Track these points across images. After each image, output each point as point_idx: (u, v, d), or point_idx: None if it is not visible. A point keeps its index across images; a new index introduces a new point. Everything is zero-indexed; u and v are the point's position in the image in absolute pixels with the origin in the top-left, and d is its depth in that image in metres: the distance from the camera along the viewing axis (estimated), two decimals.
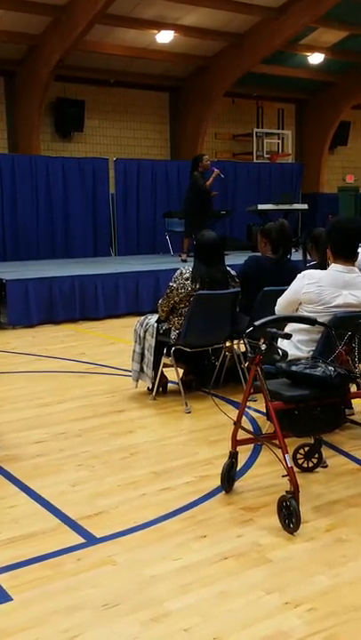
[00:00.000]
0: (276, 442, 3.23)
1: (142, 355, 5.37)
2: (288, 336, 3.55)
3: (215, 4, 13.42)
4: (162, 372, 5.32)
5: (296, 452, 3.77)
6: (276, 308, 3.99)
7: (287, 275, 4.61)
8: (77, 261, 12.29)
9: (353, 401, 4.51)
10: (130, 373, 5.57)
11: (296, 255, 7.19)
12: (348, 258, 3.87)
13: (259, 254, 5.51)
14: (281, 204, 14.34)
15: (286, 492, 3.13)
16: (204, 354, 5.52)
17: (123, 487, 3.67)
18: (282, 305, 3.97)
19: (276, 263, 5.29)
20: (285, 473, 3.14)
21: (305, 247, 5.20)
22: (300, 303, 3.87)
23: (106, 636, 2.40)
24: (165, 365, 5.26)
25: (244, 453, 3.93)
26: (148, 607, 2.55)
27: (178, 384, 5.24)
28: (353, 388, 3.74)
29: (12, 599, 2.63)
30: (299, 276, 3.93)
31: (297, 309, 3.91)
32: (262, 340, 3.32)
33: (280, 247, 5.31)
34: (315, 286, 3.81)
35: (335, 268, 3.87)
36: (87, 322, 9.39)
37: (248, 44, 15.13)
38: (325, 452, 3.95)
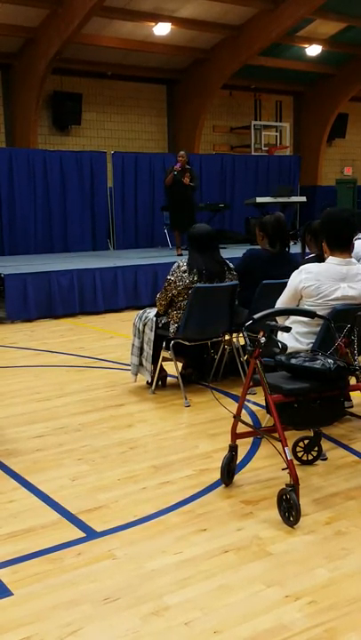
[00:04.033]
0: (276, 435, 3.23)
1: (141, 348, 5.36)
2: (287, 329, 3.55)
3: None
4: (161, 365, 5.31)
5: (296, 444, 3.77)
6: (276, 307, 3.97)
7: (286, 268, 4.61)
8: (75, 255, 12.28)
9: (352, 393, 4.51)
10: (129, 367, 5.57)
11: (295, 248, 7.18)
12: (343, 249, 3.86)
13: (257, 247, 5.50)
14: (279, 196, 14.31)
15: (286, 484, 3.12)
16: (204, 347, 5.52)
17: (122, 481, 3.67)
18: (282, 304, 3.95)
19: (275, 256, 5.28)
20: (285, 466, 3.14)
21: (303, 240, 5.19)
22: (301, 297, 3.86)
23: (106, 631, 2.40)
24: (164, 359, 5.26)
25: (243, 447, 3.93)
26: (148, 601, 2.55)
27: (177, 378, 5.23)
28: (352, 381, 3.73)
29: (12, 594, 2.63)
30: (295, 272, 3.92)
31: (298, 304, 3.90)
32: (261, 333, 3.32)
33: (277, 241, 5.30)
34: (313, 281, 3.80)
35: (332, 261, 3.86)
36: (86, 316, 9.38)
37: (245, 36, 15.08)
38: (325, 444, 3.95)
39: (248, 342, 3.33)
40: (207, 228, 5.44)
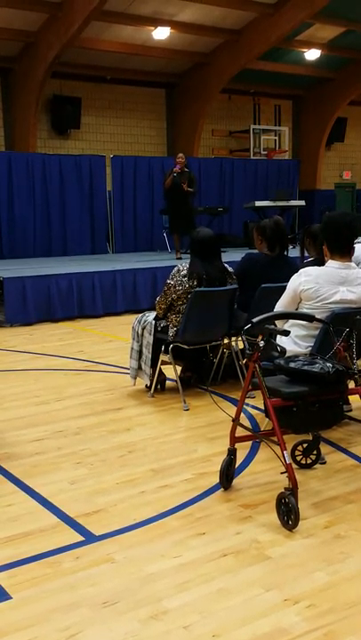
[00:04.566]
0: (275, 439, 3.23)
1: (140, 352, 5.36)
2: (286, 333, 3.55)
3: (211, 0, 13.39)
4: (160, 369, 5.31)
5: (295, 448, 3.77)
6: (275, 310, 3.97)
7: (285, 271, 4.61)
8: (75, 259, 12.29)
9: (351, 397, 4.51)
10: (128, 371, 5.57)
11: (294, 252, 7.19)
12: (344, 253, 3.87)
13: (256, 251, 5.51)
14: (278, 200, 14.33)
15: (285, 488, 3.13)
16: (202, 351, 5.52)
17: (121, 485, 3.67)
18: (282, 307, 3.95)
19: (273, 260, 5.28)
20: (284, 470, 3.14)
21: (302, 244, 5.20)
22: (301, 301, 3.87)
23: (105, 634, 2.40)
24: (163, 363, 5.26)
25: (242, 450, 3.93)
26: (146, 605, 2.55)
27: (176, 381, 5.24)
28: (351, 385, 3.73)
29: (10, 598, 2.63)
30: (295, 275, 3.93)
31: (297, 308, 3.90)
32: (260, 337, 3.32)
33: (276, 244, 5.30)
34: (312, 284, 3.81)
35: (332, 265, 3.87)
36: (85, 319, 9.38)
37: (244, 41, 15.10)
38: (324, 448, 3.95)
39: (247, 346, 3.33)
40: (210, 233, 5.43)
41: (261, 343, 3.28)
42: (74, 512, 3.34)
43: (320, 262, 4.11)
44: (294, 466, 3.48)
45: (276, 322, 3.83)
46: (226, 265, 5.41)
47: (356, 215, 4.07)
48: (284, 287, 3.99)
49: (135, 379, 5.45)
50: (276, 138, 19.00)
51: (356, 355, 3.62)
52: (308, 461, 3.81)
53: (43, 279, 9.28)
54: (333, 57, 17.06)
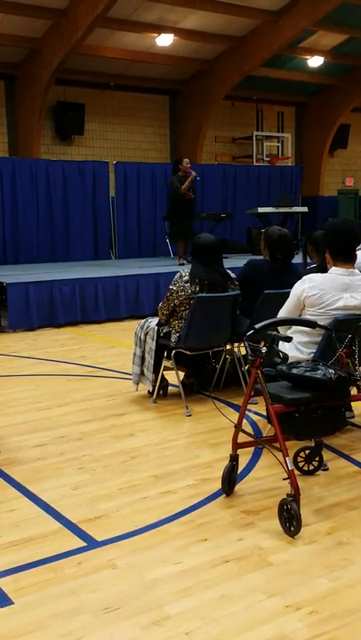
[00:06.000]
0: (277, 445, 3.23)
1: (143, 358, 5.37)
2: (288, 339, 3.56)
3: (214, 7, 13.46)
4: (162, 375, 5.32)
5: (297, 454, 3.77)
6: (278, 316, 3.98)
7: (288, 278, 4.62)
8: (78, 264, 12.31)
9: (353, 403, 4.51)
10: (130, 376, 5.57)
11: (296, 258, 7.19)
12: (347, 260, 3.88)
13: (258, 258, 5.50)
14: (281, 206, 14.34)
15: (287, 494, 3.12)
16: (205, 357, 5.52)
17: (123, 490, 3.67)
18: (285, 313, 3.96)
19: (276, 267, 5.28)
20: (286, 476, 3.14)
21: (305, 250, 5.20)
22: (304, 307, 3.88)
23: None
24: (166, 368, 5.26)
25: (244, 456, 3.93)
26: (148, 611, 2.55)
27: (178, 387, 5.24)
28: (353, 391, 3.74)
29: (12, 603, 2.63)
30: (298, 282, 3.94)
31: (300, 314, 3.91)
32: (263, 343, 3.33)
33: (277, 256, 5.26)
34: (316, 290, 3.81)
35: (335, 271, 3.88)
36: (88, 325, 9.39)
37: (248, 48, 15.16)
38: (326, 454, 3.95)
39: (249, 352, 3.34)
40: (212, 238, 5.43)
41: (264, 349, 3.29)
42: (76, 517, 3.34)
43: (323, 269, 4.12)
44: (296, 472, 3.48)
45: (279, 328, 3.84)
46: (228, 270, 5.41)
47: (359, 222, 4.08)
48: (287, 293, 3.99)
49: (138, 384, 5.45)
50: (279, 144, 19.05)
51: (358, 361, 3.62)
52: (311, 468, 3.80)
53: (46, 285, 9.30)
54: (336, 64, 17.12)
